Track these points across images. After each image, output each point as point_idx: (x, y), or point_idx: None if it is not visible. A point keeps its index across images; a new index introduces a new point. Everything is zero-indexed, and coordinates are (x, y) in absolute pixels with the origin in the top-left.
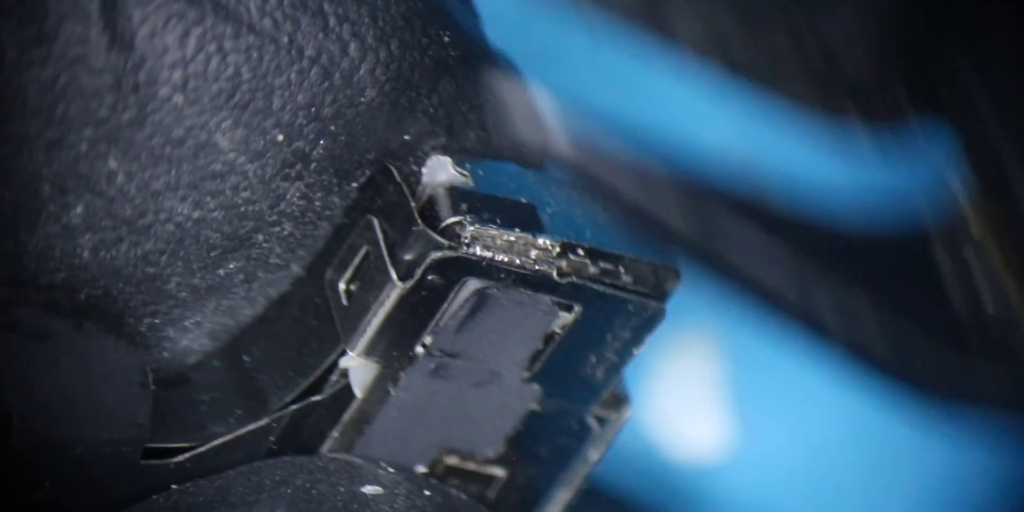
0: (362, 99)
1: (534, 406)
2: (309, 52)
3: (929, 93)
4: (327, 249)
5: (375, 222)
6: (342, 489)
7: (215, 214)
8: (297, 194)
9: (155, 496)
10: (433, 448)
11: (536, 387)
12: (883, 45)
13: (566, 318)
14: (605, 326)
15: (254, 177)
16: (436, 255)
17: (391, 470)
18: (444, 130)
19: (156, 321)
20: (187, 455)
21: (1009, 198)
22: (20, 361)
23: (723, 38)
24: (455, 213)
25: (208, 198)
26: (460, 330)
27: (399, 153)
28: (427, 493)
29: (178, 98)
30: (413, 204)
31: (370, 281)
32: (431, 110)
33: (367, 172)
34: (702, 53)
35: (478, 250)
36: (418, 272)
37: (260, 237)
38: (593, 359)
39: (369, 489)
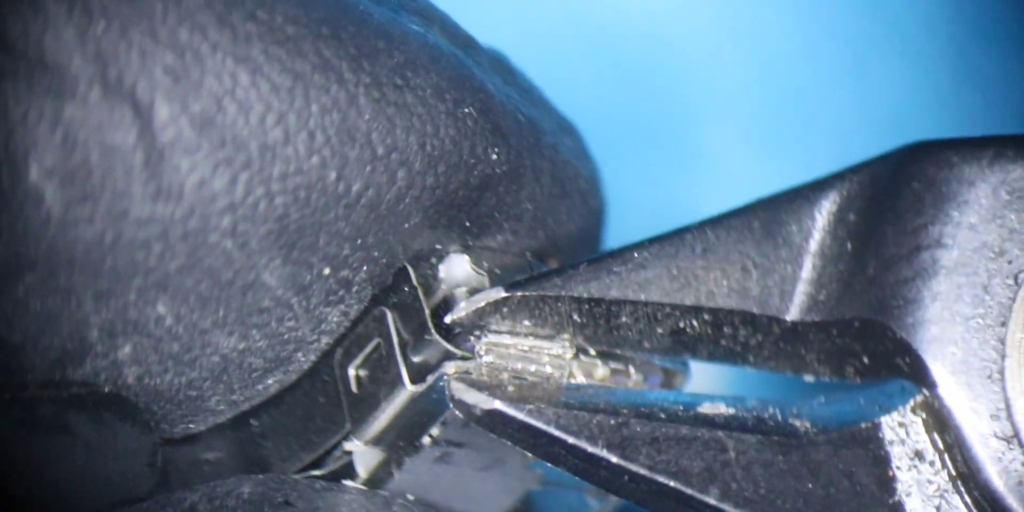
0: (406, 225)
1: (536, 487)
2: (356, 187)
3: None
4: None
5: (388, 316)
6: (320, 483)
7: (260, 344)
8: (337, 315)
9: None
10: None
11: (539, 471)
12: None
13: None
14: None
15: (299, 308)
16: (450, 366)
17: (382, 493)
18: (473, 237)
19: (191, 426)
20: None
21: None
22: (36, 453)
23: None
24: (465, 318)
25: (254, 331)
26: (468, 424)
27: (424, 256)
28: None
29: (227, 243)
30: (427, 309)
31: (381, 374)
32: (467, 224)
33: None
34: None
35: (491, 359)
36: (430, 378)
37: (300, 355)
38: None
39: (351, 484)
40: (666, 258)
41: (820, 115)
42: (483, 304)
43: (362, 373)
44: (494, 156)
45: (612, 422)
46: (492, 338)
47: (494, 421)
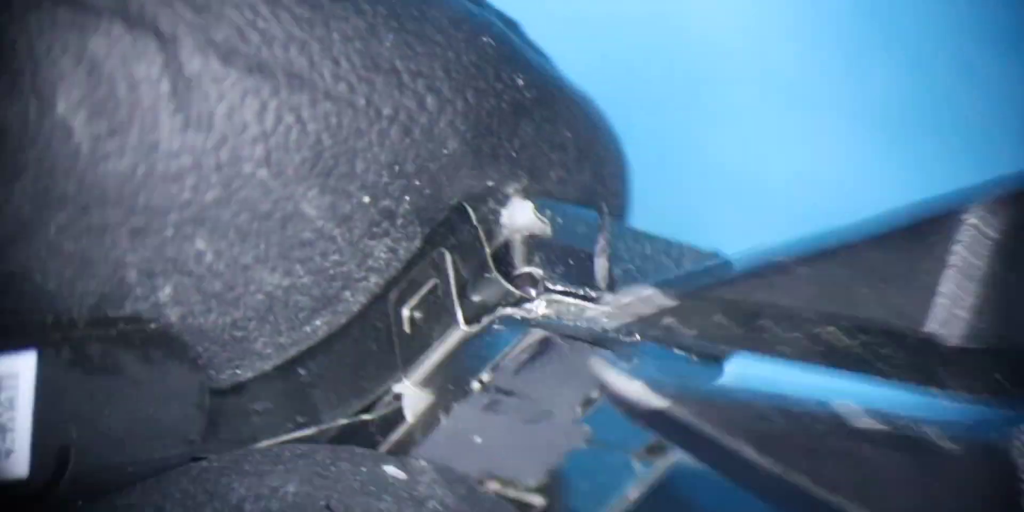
0: (444, 151)
1: (581, 445)
2: (387, 111)
3: None
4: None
5: (447, 256)
6: (363, 469)
7: (304, 280)
8: (384, 249)
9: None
10: (475, 473)
11: (586, 428)
12: None
13: (623, 367)
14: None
15: (342, 240)
16: (505, 311)
17: (422, 462)
18: (527, 172)
19: (238, 372)
20: (230, 458)
21: None
22: (85, 395)
23: None
24: (530, 264)
25: (297, 266)
26: (518, 371)
27: (481, 196)
28: (452, 485)
29: (262, 172)
30: (487, 249)
31: (435, 315)
32: (513, 154)
33: (446, 212)
34: None
35: (547, 311)
36: (485, 320)
37: (348, 294)
38: None
39: (391, 470)
40: (810, 263)
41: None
42: (641, 307)
43: (416, 314)
44: (520, 81)
45: (754, 417)
46: (549, 287)
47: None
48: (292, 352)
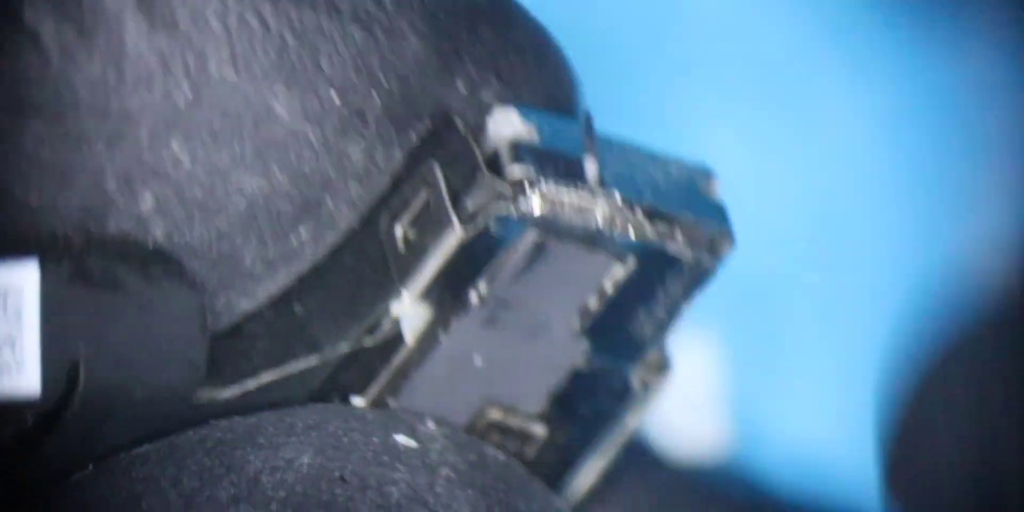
0: (406, 47)
1: (581, 363)
2: (345, 8)
3: None
4: (382, 198)
5: (436, 167)
6: (375, 439)
7: (283, 183)
8: (359, 151)
9: (189, 431)
10: (477, 399)
11: (585, 342)
12: None
13: (618, 272)
14: (657, 282)
15: (316, 140)
16: (500, 208)
17: (430, 425)
18: (494, 76)
19: (231, 296)
20: (234, 392)
21: None
22: (89, 310)
23: None
24: (520, 166)
25: (275, 167)
26: (515, 280)
27: (457, 105)
28: (462, 450)
29: (229, 73)
30: (478, 153)
31: (429, 226)
32: (477, 56)
33: (425, 123)
34: None
35: (542, 207)
36: (480, 220)
37: (329, 200)
38: (642, 315)
39: (402, 440)
40: None
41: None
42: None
43: (410, 232)
44: None
45: None
46: (543, 184)
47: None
48: (281, 273)
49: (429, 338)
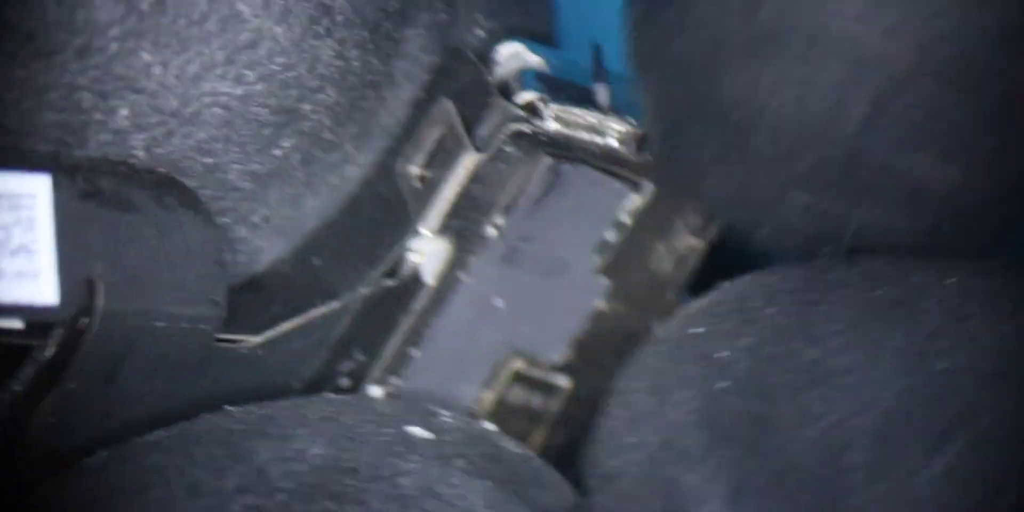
0: None
1: (601, 304)
2: None
3: None
4: (390, 136)
5: (449, 104)
6: (389, 430)
7: (257, 87)
8: (331, 53)
9: (203, 415)
10: (500, 347)
11: (604, 281)
12: None
13: (635, 201)
14: (675, 211)
15: (285, 40)
16: (515, 127)
17: (446, 417)
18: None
19: (226, 220)
20: (257, 340)
21: None
22: (103, 229)
23: None
24: (532, 92)
25: (246, 71)
26: (533, 211)
27: (465, 38)
28: (477, 442)
29: None
30: (489, 79)
31: (445, 159)
32: None
33: (395, 26)
34: None
35: (558, 126)
36: (496, 142)
37: (307, 106)
38: (662, 249)
39: (417, 431)
40: None
41: None
42: None
43: (427, 171)
44: None
45: None
46: (558, 106)
47: None
48: (273, 192)
49: (449, 279)
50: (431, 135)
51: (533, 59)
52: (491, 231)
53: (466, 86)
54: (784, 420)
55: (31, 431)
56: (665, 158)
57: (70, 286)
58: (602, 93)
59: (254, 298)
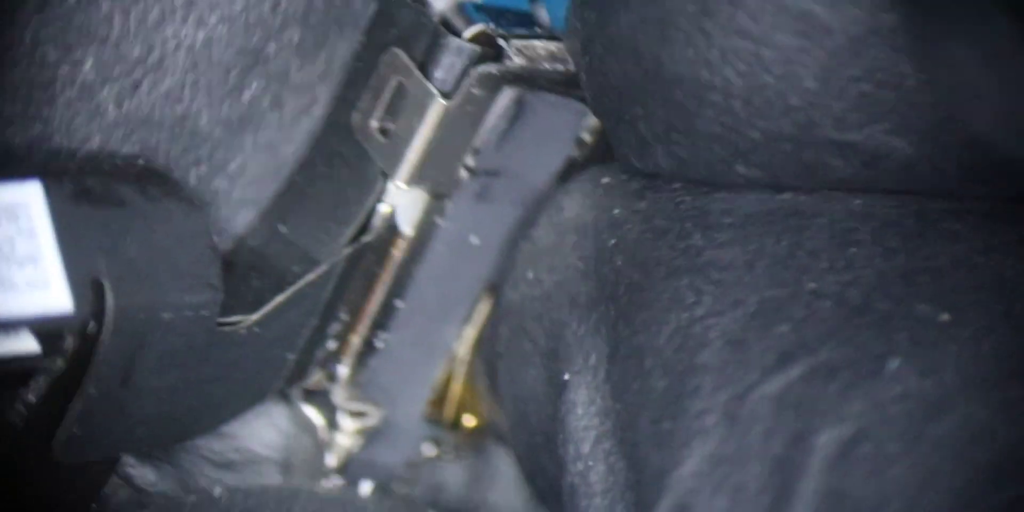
0: None
1: None
2: None
3: None
4: (347, 89)
5: (399, 53)
6: None
7: (220, 30)
8: None
9: (187, 501)
10: (478, 284)
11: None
12: None
13: (595, 121)
14: None
15: None
16: (484, 69)
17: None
18: None
19: (202, 171)
20: (255, 317)
21: None
22: (100, 227)
23: None
24: (476, 23)
25: (207, 14)
26: (500, 144)
27: None
28: None
29: None
30: (434, 19)
31: (408, 108)
32: None
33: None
34: None
35: (520, 60)
36: (464, 85)
37: (272, 47)
38: None
39: None
40: None
41: None
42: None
43: (387, 123)
44: None
45: None
46: (513, 39)
47: None
48: (247, 141)
49: (426, 225)
50: (384, 85)
51: None
52: (463, 172)
53: (409, 29)
54: (654, 298)
55: (59, 445)
56: (609, 134)
57: (80, 289)
58: (543, 14)
59: (230, 276)
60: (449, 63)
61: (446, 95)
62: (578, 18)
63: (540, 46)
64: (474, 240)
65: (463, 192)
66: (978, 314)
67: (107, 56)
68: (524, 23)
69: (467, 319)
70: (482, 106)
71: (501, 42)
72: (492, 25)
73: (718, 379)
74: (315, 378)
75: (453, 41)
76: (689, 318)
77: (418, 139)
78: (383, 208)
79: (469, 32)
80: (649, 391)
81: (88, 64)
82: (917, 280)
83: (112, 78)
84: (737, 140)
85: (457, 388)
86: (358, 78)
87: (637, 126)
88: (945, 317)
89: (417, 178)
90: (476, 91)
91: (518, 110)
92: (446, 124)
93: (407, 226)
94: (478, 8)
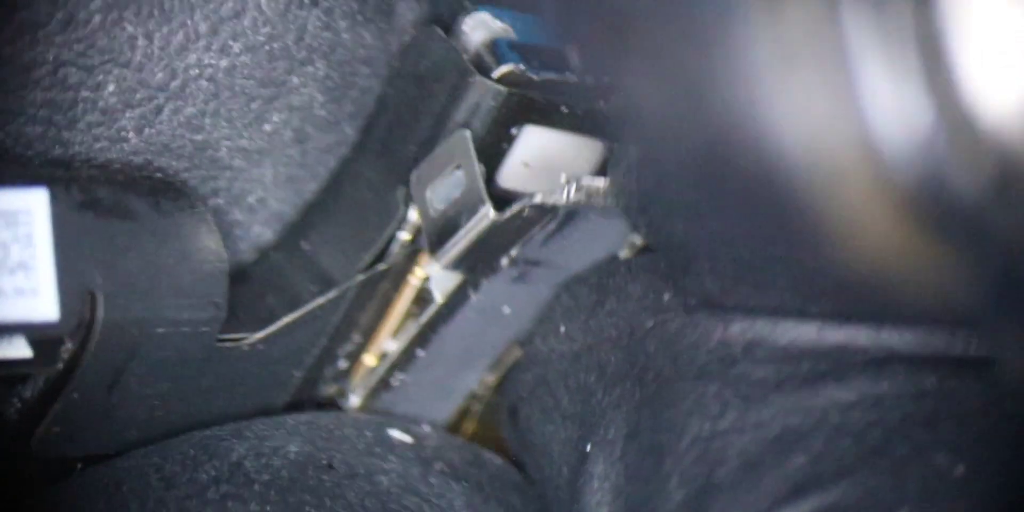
0: None
1: None
2: None
3: None
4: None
5: (467, 136)
6: (368, 433)
7: (243, 58)
8: (318, 23)
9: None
10: (503, 342)
11: None
12: None
13: (636, 239)
14: None
15: (269, 10)
16: (536, 200)
17: (426, 427)
18: None
19: (220, 202)
20: (259, 335)
21: None
22: (103, 239)
23: None
24: (506, 62)
25: (231, 42)
26: (546, 242)
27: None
28: (458, 449)
29: None
30: (464, 58)
31: (462, 199)
32: None
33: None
34: None
35: (577, 197)
36: (515, 207)
37: (296, 80)
38: None
39: (397, 434)
40: None
41: None
42: None
43: (441, 200)
44: None
45: None
46: (540, 74)
47: None
48: (267, 168)
49: (459, 295)
50: (446, 161)
51: (499, 26)
52: (504, 262)
53: (439, 63)
54: (680, 397)
55: (36, 441)
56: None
57: (70, 300)
58: (574, 57)
59: (246, 290)
60: (474, 103)
61: (498, 209)
62: (632, 180)
63: (597, 188)
64: (506, 310)
65: (501, 275)
66: (996, 469)
67: (129, 80)
68: (554, 62)
69: (491, 367)
70: (530, 223)
71: (518, 76)
72: (522, 66)
73: (731, 501)
74: (328, 393)
75: (479, 81)
76: (711, 430)
77: (463, 240)
78: (403, 235)
79: (498, 72)
80: (666, 498)
81: (110, 87)
82: (940, 426)
83: (134, 103)
84: (805, 288)
85: (471, 425)
86: (388, 106)
87: (703, 279)
88: (961, 470)
89: (455, 266)
90: (527, 213)
91: (569, 218)
92: (492, 231)
93: (439, 294)
94: (511, 46)
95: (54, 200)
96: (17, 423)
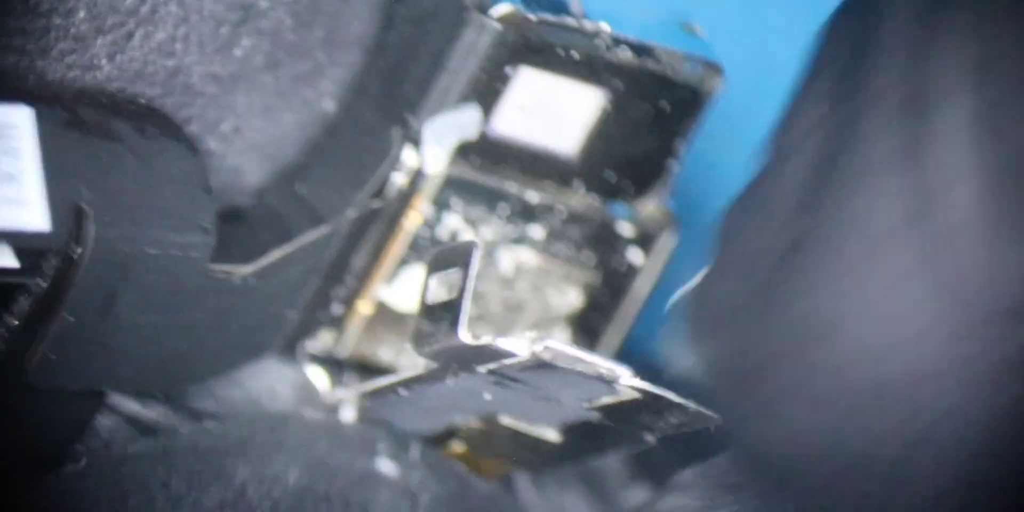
0: None
1: (593, 421)
2: None
3: None
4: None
5: (475, 250)
6: (359, 464)
7: None
8: None
9: (181, 431)
10: (487, 415)
11: (597, 415)
12: None
13: (615, 394)
14: None
15: None
16: (534, 356)
17: (414, 453)
18: None
19: (193, 128)
20: (250, 268)
21: None
22: (88, 157)
23: None
24: (507, 2)
25: None
26: (523, 371)
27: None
28: (444, 480)
29: None
30: None
31: (447, 307)
32: None
33: None
34: None
35: (546, 356)
36: (485, 339)
37: (263, 3)
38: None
39: (386, 465)
40: None
41: None
42: None
43: (437, 297)
44: None
45: None
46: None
47: None
48: (240, 96)
49: (438, 374)
50: (453, 262)
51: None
52: (482, 370)
53: (439, 4)
54: None
55: (32, 368)
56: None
57: (60, 213)
58: (575, 3)
59: (240, 229)
60: (470, 40)
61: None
62: (696, 349)
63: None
64: (487, 396)
65: (479, 377)
66: None
67: (100, 6)
68: (552, 6)
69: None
70: (501, 355)
71: (518, 16)
72: (520, 6)
73: None
74: (322, 340)
75: (476, 16)
76: None
77: (440, 348)
78: (398, 177)
79: (496, 11)
80: None
81: (81, 14)
82: None
83: (105, 29)
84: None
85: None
86: (387, 49)
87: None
88: None
89: (434, 359)
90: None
91: (544, 366)
92: (465, 349)
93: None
94: None
95: (39, 118)
96: (8, 348)
